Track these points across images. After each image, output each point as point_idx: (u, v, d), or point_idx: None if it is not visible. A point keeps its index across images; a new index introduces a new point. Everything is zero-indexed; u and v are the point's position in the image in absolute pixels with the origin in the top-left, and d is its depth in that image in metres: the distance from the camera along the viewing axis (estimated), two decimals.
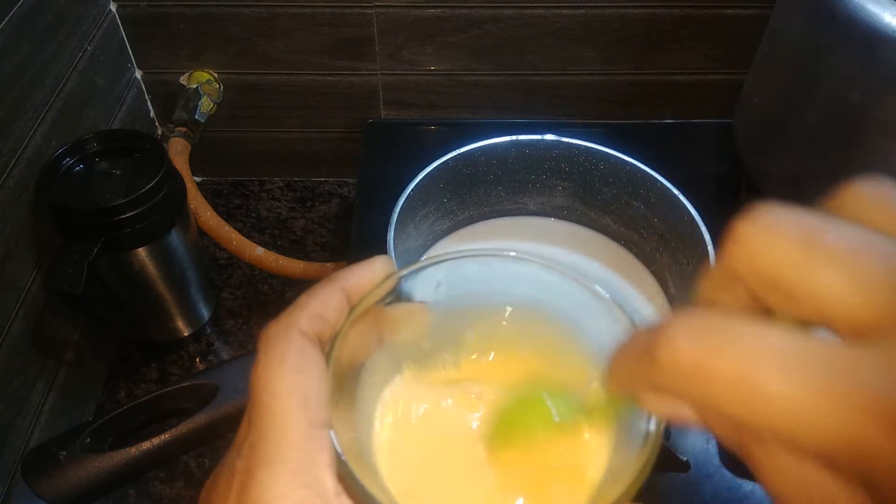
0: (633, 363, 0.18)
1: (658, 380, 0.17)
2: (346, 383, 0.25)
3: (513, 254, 0.28)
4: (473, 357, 0.30)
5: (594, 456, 0.26)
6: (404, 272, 0.27)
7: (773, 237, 0.16)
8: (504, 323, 0.30)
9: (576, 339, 0.29)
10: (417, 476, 0.26)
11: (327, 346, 0.24)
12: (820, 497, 0.16)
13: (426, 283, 0.28)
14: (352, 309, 0.25)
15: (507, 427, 0.27)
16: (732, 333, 0.16)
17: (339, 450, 0.22)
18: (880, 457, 0.14)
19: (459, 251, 0.28)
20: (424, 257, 0.58)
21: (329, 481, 0.21)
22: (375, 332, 0.27)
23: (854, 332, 0.15)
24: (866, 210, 0.17)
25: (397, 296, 0.27)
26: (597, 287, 0.27)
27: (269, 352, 0.23)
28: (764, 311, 0.17)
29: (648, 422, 0.23)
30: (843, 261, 0.15)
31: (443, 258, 0.27)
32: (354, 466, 0.22)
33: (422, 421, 0.28)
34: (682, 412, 0.19)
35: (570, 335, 0.29)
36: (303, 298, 0.25)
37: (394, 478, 0.26)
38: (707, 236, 0.52)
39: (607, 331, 0.26)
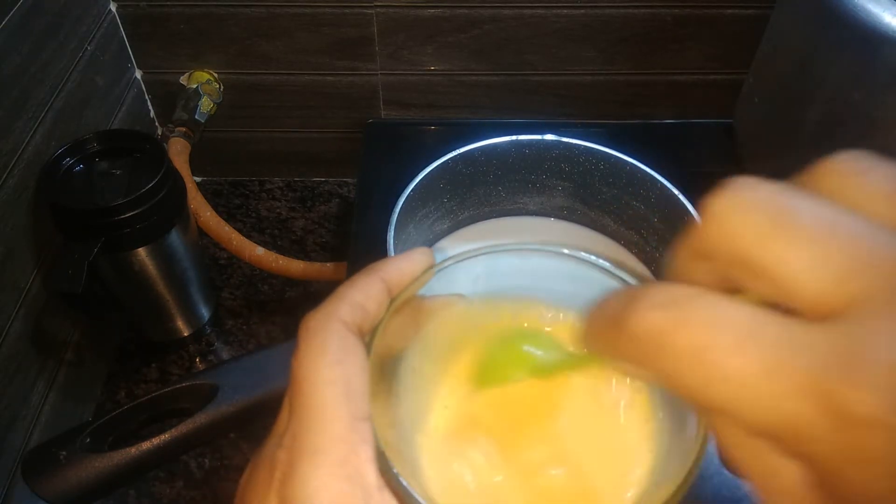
0: (604, 329, 0.18)
1: (623, 348, 0.17)
2: (384, 375, 0.25)
3: (553, 249, 0.27)
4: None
5: (636, 454, 0.26)
6: (444, 265, 0.27)
7: (743, 214, 0.16)
8: (548, 315, 0.29)
9: None
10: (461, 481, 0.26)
11: (367, 336, 0.24)
12: (770, 473, 0.16)
13: (465, 276, 0.28)
14: (392, 300, 0.25)
15: (490, 366, 0.27)
16: (694, 306, 0.16)
17: (380, 444, 0.22)
18: (816, 438, 0.14)
19: (500, 244, 0.27)
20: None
21: (371, 475, 0.21)
22: (414, 323, 0.27)
23: (816, 314, 0.15)
24: (845, 186, 0.17)
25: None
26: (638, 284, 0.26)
27: (310, 341, 0.23)
28: (734, 288, 0.17)
29: (694, 426, 0.23)
30: (811, 242, 0.15)
31: (482, 251, 0.27)
32: (395, 461, 0.22)
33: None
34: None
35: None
36: (342, 288, 0.24)
37: (438, 478, 0.25)
38: None
39: None
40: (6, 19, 0.63)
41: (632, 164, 0.57)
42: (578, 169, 0.60)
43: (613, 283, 0.27)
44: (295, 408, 0.22)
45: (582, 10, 0.82)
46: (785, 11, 0.62)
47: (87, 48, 0.77)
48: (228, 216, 0.98)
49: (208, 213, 0.85)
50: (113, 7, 0.83)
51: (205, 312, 0.86)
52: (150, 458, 0.36)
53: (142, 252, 0.71)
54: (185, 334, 0.85)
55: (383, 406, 0.24)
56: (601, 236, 0.64)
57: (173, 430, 0.36)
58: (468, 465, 0.26)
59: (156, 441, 0.36)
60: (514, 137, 0.59)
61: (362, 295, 0.24)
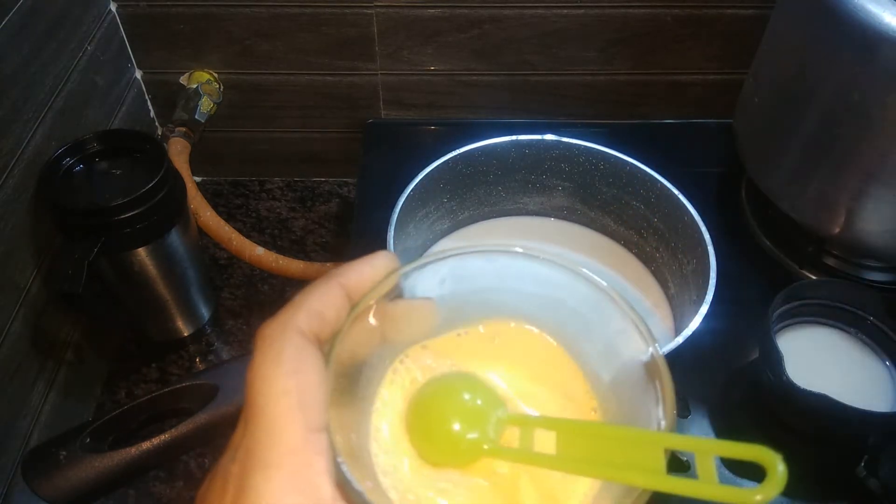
0: None
1: None
2: (347, 382, 0.25)
3: (519, 250, 0.27)
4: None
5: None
6: (407, 268, 0.26)
7: None
8: (511, 323, 0.29)
9: (582, 339, 0.28)
10: (414, 477, 0.26)
11: (327, 345, 0.24)
12: None
13: (430, 279, 0.27)
14: (353, 307, 0.25)
15: (427, 401, 0.27)
16: None
17: (337, 454, 0.21)
18: None
19: (464, 247, 0.27)
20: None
21: (326, 487, 0.21)
22: (378, 328, 0.26)
23: None
24: None
25: (400, 292, 0.26)
26: (605, 285, 0.26)
27: (264, 352, 0.22)
28: None
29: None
30: None
31: (447, 254, 0.27)
32: (353, 470, 0.21)
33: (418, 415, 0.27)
34: None
35: (576, 334, 0.28)
36: (300, 296, 0.24)
37: (391, 477, 0.25)
38: (707, 236, 0.52)
39: (617, 331, 0.26)
40: (6, 19, 0.63)
41: (632, 164, 0.57)
42: (578, 169, 0.60)
43: (579, 285, 0.27)
44: (248, 420, 0.22)
45: (582, 10, 0.82)
46: (785, 11, 0.62)
47: (87, 48, 0.77)
48: (228, 216, 0.98)
49: (208, 213, 0.85)
50: (113, 7, 0.83)
51: (205, 312, 0.86)
52: (150, 458, 0.36)
53: (142, 252, 0.71)
54: (185, 334, 0.85)
55: (346, 411, 0.24)
56: (601, 236, 0.64)
57: (173, 430, 0.36)
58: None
59: (156, 441, 0.36)
60: (514, 137, 0.59)
61: (320, 302, 0.24)
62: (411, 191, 0.54)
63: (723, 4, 0.82)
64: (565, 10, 0.82)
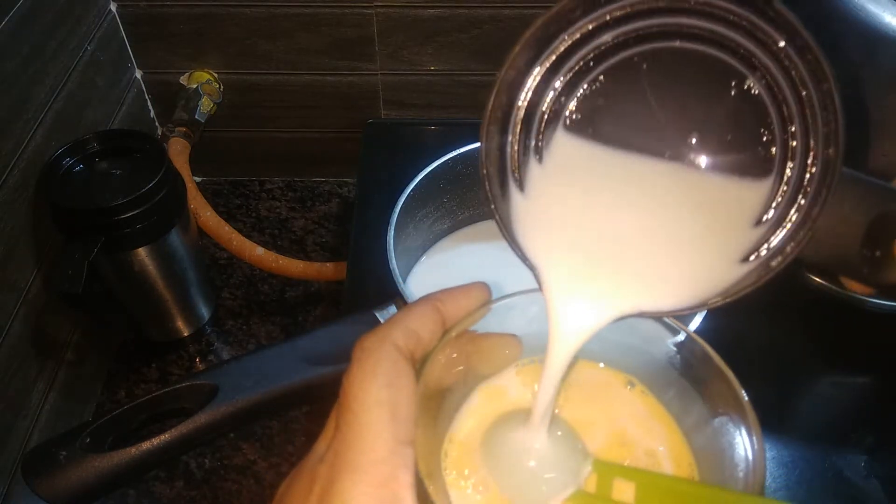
0: None
1: None
2: (430, 405, 0.25)
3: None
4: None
5: None
6: (499, 301, 0.27)
7: None
8: (601, 364, 0.29)
9: (672, 393, 0.28)
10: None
11: (419, 364, 0.24)
12: None
13: (520, 315, 0.28)
14: (446, 332, 0.25)
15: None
16: None
17: (420, 472, 0.22)
18: None
19: (560, 288, 0.27)
20: (424, 257, 0.58)
21: (408, 501, 0.21)
22: (464, 358, 0.27)
23: None
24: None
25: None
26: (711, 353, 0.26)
27: (362, 362, 0.23)
28: None
29: None
30: None
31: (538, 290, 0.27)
32: (432, 492, 0.22)
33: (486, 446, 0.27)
34: None
35: (654, 399, 0.28)
36: (399, 314, 0.25)
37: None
38: None
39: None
40: (6, 19, 0.63)
41: None
42: None
43: (664, 333, 0.26)
44: (341, 425, 0.22)
45: None
46: None
47: (87, 48, 0.77)
48: (228, 216, 0.98)
49: (208, 213, 0.85)
50: (113, 7, 0.83)
51: (205, 312, 0.86)
52: (150, 458, 0.36)
53: (142, 252, 0.71)
54: (185, 334, 0.85)
55: (426, 435, 0.25)
56: None
57: (173, 430, 0.36)
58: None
59: (156, 441, 0.36)
60: None
61: (417, 322, 0.25)
62: (411, 191, 0.54)
63: None
64: None
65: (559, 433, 0.27)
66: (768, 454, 0.55)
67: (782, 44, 0.23)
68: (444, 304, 0.26)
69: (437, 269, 0.58)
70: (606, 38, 0.26)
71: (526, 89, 0.27)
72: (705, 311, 0.47)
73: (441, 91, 0.90)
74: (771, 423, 0.58)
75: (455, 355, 0.26)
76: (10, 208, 0.65)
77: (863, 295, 0.53)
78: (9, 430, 0.66)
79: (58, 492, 0.35)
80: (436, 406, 0.26)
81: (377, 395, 0.22)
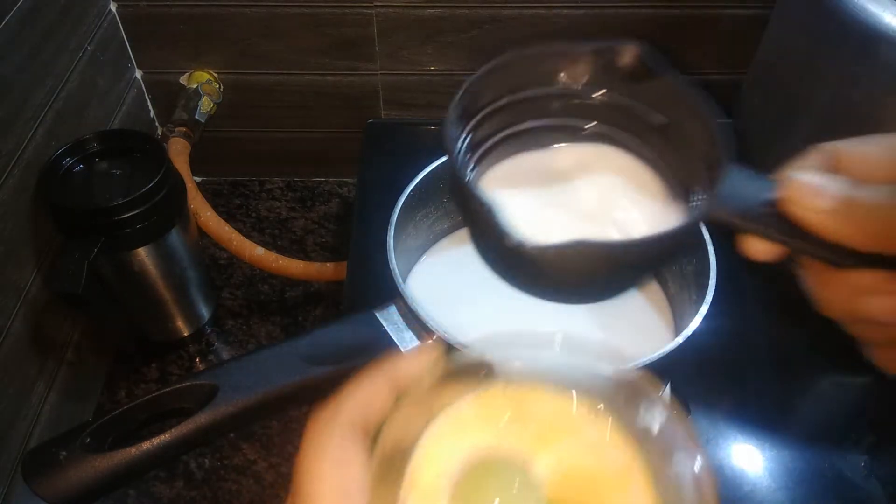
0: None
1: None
2: (393, 466, 0.26)
3: (559, 344, 0.27)
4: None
5: None
6: (453, 359, 0.27)
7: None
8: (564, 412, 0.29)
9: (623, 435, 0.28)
10: None
11: (374, 431, 0.25)
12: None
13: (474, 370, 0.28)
14: (399, 398, 0.26)
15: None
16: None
17: None
18: None
19: (512, 336, 0.27)
20: (424, 256, 0.58)
21: None
22: (427, 412, 0.28)
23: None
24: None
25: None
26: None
27: (312, 441, 0.24)
28: None
29: None
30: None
31: (496, 342, 0.28)
32: None
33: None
34: None
35: (621, 434, 0.28)
36: (350, 387, 0.26)
37: None
38: (707, 236, 0.52)
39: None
40: (6, 19, 0.63)
41: None
42: None
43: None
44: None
45: (582, 11, 0.82)
46: (785, 11, 0.62)
47: (87, 48, 0.77)
48: (228, 216, 0.98)
49: (208, 213, 0.85)
50: (113, 7, 0.83)
51: (205, 312, 0.86)
52: (150, 458, 0.36)
53: (142, 252, 0.71)
54: (185, 334, 0.85)
55: (391, 492, 0.25)
56: None
57: (173, 430, 0.36)
58: None
59: (156, 441, 0.36)
60: None
61: (368, 391, 0.26)
62: (411, 191, 0.54)
63: (723, 4, 0.82)
64: (565, 11, 0.82)
65: (517, 483, 0.26)
66: (769, 454, 0.55)
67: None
68: (394, 373, 0.27)
69: (437, 269, 0.58)
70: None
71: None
72: (705, 312, 0.47)
73: (441, 91, 0.90)
74: (771, 422, 0.58)
75: (413, 414, 0.27)
76: (10, 208, 0.65)
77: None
78: (9, 430, 0.66)
79: (58, 492, 0.35)
80: (402, 463, 0.26)
81: (327, 475, 0.23)
